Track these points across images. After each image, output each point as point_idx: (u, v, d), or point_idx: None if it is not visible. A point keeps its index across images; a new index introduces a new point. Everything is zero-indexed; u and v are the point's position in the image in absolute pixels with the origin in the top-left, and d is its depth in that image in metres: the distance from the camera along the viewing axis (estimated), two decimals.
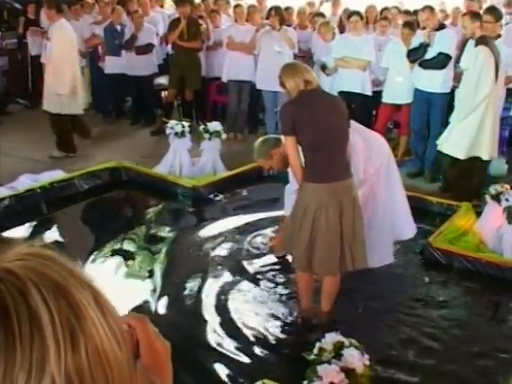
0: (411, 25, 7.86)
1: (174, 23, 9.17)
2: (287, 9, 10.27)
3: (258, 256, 5.35)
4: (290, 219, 4.20)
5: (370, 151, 4.58)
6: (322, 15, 9.65)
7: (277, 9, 8.54)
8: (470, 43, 6.96)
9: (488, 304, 4.91)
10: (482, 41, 6.39)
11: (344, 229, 3.98)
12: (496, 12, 6.88)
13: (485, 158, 6.62)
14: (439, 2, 12.04)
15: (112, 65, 9.83)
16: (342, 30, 9.64)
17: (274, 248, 5.26)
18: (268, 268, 5.11)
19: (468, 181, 6.76)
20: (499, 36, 6.87)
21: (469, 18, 6.54)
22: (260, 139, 4.95)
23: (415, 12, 9.74)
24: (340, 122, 3.98)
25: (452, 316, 4.64)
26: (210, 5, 10.46)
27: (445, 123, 7.48)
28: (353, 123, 4.25)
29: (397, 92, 7.67)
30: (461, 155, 6.60)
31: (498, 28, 6.90)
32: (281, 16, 8.46)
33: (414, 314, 4.64)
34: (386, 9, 10.18)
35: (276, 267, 5.12)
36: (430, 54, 7.28)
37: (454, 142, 6.60)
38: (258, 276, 5.01)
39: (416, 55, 7.40)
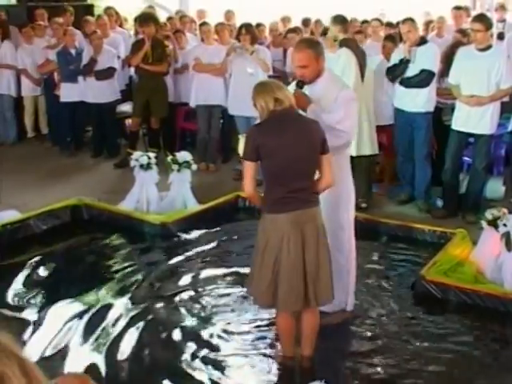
0: (393, 38, 7.97)
1: (137, 45, 9.21)
2: (258, 25, 10.41)
3: (232, 305, 5.32)
4: (253, 257, 4.25)
5: None
6: (295, 31, 9.75)
7: (248, 27, 8.58)
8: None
9: (489, 340, 4.90)
10: (344, 43, 7.06)
11: (307, 261, 4.05)
12: (486, 20, 6.97)
13: (368, 153, 7.28)
14: (424, 12, 12.30)
15: (68, 92, 9.85)
16: None
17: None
18: (245, 320, 5.07)
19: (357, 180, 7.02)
20: (490, 46, 6.94)
21: (331, 22, 7.24)
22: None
23: (398, 24, 9.93)
24: (308, 149, 4.03)
25: (450, 354, 4.64)
26: (176, 24, 10.52)
27: (431, 144, 7.60)
28: None
29: (379, 112, 7.72)
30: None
31: (488, 37, 6.97)
32: (252, 35, 8.52)
33: (407, 354, 4.64)
34: (366, 22, 10.36)
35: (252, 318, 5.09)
36: (412, 70, 7.36)
37: None
38: (231, 327, 4.99)
39: (396, 72, 7.48)
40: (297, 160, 3.98)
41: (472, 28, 7.00)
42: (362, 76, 7.10)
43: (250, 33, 8.46)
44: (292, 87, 4.63)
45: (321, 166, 4.12)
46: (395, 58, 7.52)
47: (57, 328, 4.89)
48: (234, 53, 8.53)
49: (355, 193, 4.96)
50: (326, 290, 4.14)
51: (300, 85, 4.61)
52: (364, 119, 7.19)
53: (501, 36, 10.48)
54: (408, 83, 7.38)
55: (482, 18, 7.03)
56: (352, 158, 5.24)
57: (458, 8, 10.74)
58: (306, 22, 11.47)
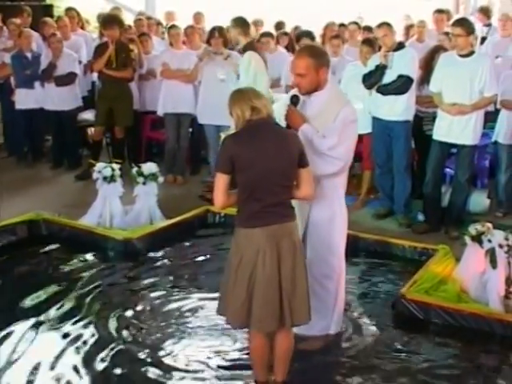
0: (371, 42, 8.02)
1: (100, 48, 9.17)
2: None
3: (198, 331, 5.27)
4: (225, 274, 4.24)
5: None
6: (270, 35, 9.79)
7: (220, 30, 8.60)
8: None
9: (473, 363, 4.92)
10: (249, 47, 7.50)
11: (283, 278, 4.07)
12: (467, 24, 7.02)
13: None
14: (404, 16, 12.40)
15: (24, 99, 9.77)
16: (291, 49, 9.82)
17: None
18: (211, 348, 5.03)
19: None
20: (473, 52, 7.00)
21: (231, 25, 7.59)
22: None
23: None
24: (286, 162, 4.04)
25: (433, 378, 4.65)
26: (142, 27, 10.52)
27: (411, 155, 7.64)
28: None
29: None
30: None
31: (468, 42, 7.01)
32: (225, 38, 8.54)
33: (387, 377, 4.64)
34: (343, 25, 10.42)
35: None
36: (389, 77, 7.41)
37: None
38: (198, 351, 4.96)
39: (373, 79, 7.52)
40: (273, 173, 4.00)
41: (452, 33, 7.06)
42: None
43: (222, 36, 8.48)
44: (282, 99, 4.65)
45: (300, 179, 4.14)
46: (371, 64, 7.57)
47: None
48: (207, 57, 8.51)
49: None
50: (301, 309, 4.14)
51: (294, 100, 4.58)
52: None
53: (484, 41, 10.60)
54: (385, 90, 7.44)
55: (462, 23, 7.07)
56: None
57: (439, 11, 10.85)
58: (279, 25, 11.50)
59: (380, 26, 7.55)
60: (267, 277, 4.02)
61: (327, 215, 4.67)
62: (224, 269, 4.26)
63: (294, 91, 4.70)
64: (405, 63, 7.34)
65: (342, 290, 4.98)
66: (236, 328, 4.40)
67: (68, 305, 5.62)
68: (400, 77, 7.34)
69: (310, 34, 8.44)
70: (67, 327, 5.22)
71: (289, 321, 4.13)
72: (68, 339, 5.04)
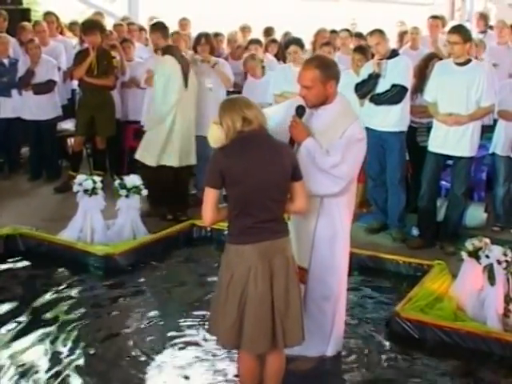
0: (363, 50, 8.06)
1: (80, 55, 9.18)
2: (216, 35, 10.46)
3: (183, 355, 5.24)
4: (216, 292, 4.25)
5: None
6: (258, 42, 9.83)
7: (207, 36, 8.63)
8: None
9: None
10: (168, 51, 7.95)
11: (275, 296, 4.06)
12: (464, 31, 7.07)
13: (175, 165, 8.00)
14: (398, 22, 12.46)
15: (0, 108, 9.74)
16: (282, 57, 9.87)
17: None
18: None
19: (157, 190, 7.87)
20: (469, 61, 7.04)
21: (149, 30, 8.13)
22: None
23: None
24: (279, 175, 4.05)
25: None
26: (122, 32, 10.55)
27: (405, 167, 7.67)
28: None
29: None
30: (150, 162, 7.94)
31: (465, 50, 7.03)
32: (211, 45, 8.57)
33: None
34: (334, 32, 10.46)
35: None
36: (382, 86, 7.45)
37: (144, 149, 8.08)
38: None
39: (365, 88, 7.56)
40: (266, 187, 4.00)
41: (449, 40, 7.08)
42: (186, 84, 7.94)
43: (209, 43, 8.52)
44: (286, 107, 4.64)
45: (294, 193, 4.15)
46: (364, 72, 7.61)
47: None
48: (194, 65, 8.49)
49: None
50: (294, 329, 4.14)
51: (300, 111, 4.54)
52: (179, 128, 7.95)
53: None
54: (378, 100, 7.48)
55: (459, 29, 7.12)
56: None
57: (434, 17, 10.91)
58: (268, 31, 11.55)
59: (372, 33, 7.58)
60: (259, 295, 4.02)
61: (328, 235, 4.64)
62: (214, 287, 4.26)
63: (300, 101, 4.61)
64: (398, 72, 7.38)
65: (341, 312, 4.95)
66: (227, 349, 4.42)
67: (39, 323, 5.58)
68: (394, 86, 7.38)
69: (298, 42, 8.45)
70: (31, 347, 5.20)
71: (281, 342, 4.12)
72: (41, 361, 5.02)
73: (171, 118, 7.93)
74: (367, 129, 7.50)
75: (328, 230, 4.65)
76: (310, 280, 4.66)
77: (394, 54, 7.60)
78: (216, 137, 4.38)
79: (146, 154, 8.11)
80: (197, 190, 8.49)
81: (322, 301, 4.73)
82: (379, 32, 7.55)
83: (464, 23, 11.45)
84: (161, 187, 8.01)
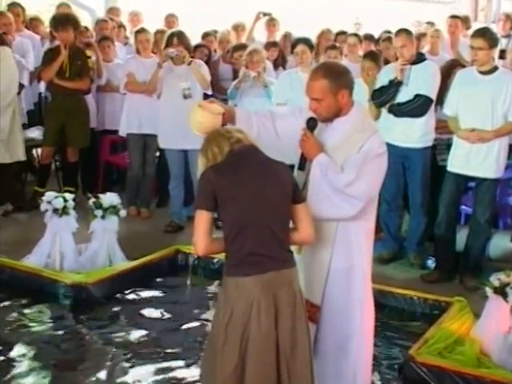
0: (374, 56, 8.09)
1: (50, 54, 9.17)
2: (206, 35, 10.49)
3: None
4: (212, 333, 4.21)
5: None
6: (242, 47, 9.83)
7: (180, 35, 8.56)
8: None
9: None
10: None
11: (280, 336, 4.02)
12: (490, 35, 7.05)
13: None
14: (415, 22, 12.43)
15: None
16: (281, 63, 9.89)
17: None
18: None
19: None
20: (496, 69, 7.03)
21: None
22: None
23: (378, 40, 10.05)
24: (278, 195, 4.03)
25: None
26: (105, 29, 10.52)
27: (427, 186, 7.66)
28: None
29: None
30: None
31: (490, 57, 7.06)
32: (186, 46, 8.49)
33: None
34: (342, 33, 10.47)
35: None
36: (404, 95, 7.48)
37: None
38: None
39: (384, 97, 7.58)
40: (265, 205, 3.98)
41: (472, 45, 7.04)
42: None
43: (183, 43, 8.47)
44: (294, 114, 4.65)
45: (297, 218, 4.13)
46: (383, 77, 7.63)
47: None
48: (164, 60, 8.49)
49: None
50: (302, 374, 4.08)
51: (311, 124, 4.51)
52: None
53: (503, 55, 10.65)
54: (399, 111, 7.51)
55: (484, 33, 7.09)
56: None
57: (454, 17, 10.87)
58: None
59: (398, 33, 7.57)
60: (263, 335, 3.96)
61: (345, 266, 4.52)
62: (204, 325, 4.25)
63: (310, 112, 4.56)
64: (424, 80, 7.41)
65: (366, 357, 4.73)
66: None
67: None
68: (417, 96, 7.40)
69: (307, 41, 8.45)
70: None
71: None
72: None
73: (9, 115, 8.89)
74: (386, 144, 7.54)
75: (344, 260, 4.53)
76: (323, 319, 4.58)
77: (420, 58, 7.61)
78: (199, 121, 4.36)
79: None
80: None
81: (337, 351, 4.57)
82: (406, 32, 7.55)
83: (489, 25, 11.45)
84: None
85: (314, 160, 4.44)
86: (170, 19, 11.56)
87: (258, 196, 3.98)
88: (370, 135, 4.50)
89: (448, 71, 7.76)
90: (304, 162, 4.49)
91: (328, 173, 4.40)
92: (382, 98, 7.58)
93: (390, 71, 7.62)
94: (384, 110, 7.65)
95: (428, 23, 11.79)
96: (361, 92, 7.56)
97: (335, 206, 4.38)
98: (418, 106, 7.42)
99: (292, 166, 4.48)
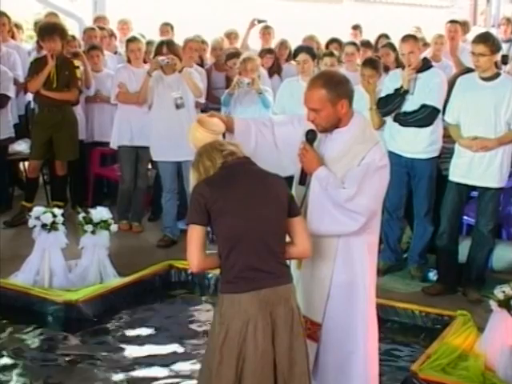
0: (374, 63, 8.10)
1: (37, 64, 9.16)
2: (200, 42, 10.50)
3: None
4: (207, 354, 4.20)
5: None
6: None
7: (169, 44, 8.61)
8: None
9: None
10: None
11: (277, 354, 4.02)
12: (492, 40, 7.05)
13: None
14: (413, 27, 12.46)
15: None
16: (277, 70, 9.91)
17: None
18: None
19: None
20: (498, 75, 7.04)
21: None
22: None
23: (376, 45, 10.07)
24: (274, 208, 4.05)
25: None
26: (94, 38, 10.52)
27: (433, 196, 7.66)
28: None
29: None
30: None
31: (492, 62, 7.06)
32: (176, 54, 8.50)
33: None
34: (335, 41, 10.46)
35: None
36: (410, 104, 7.48)
37: None
38: None
39: (390, 106, 7.58)
40: (260, 220, 3.99)
41: (473, 51, 7.03)
42: None
43: (172, 52, 8.48)
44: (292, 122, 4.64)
45: (293, 232, 4.13)
46: (389, 85, 7.63)
47: None
48: (156, 67, 8.47)
49: None
50: None
51: (310, 136, 4.51)
52: None
53: (505, 60, 10.68)
54: (404, 121, 7.52)
55: (486, 39, 7.08)
56: None
57: (453, 22, 10.88)
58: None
59: (405, 39, 7.56)
60: (260, 356, 3.96)
61: (346, 282, 4.52)
62: (199, 343, 4.24)
63: (309, 123, 4.56)
64: (431, 89, 7.41)
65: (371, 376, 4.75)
66: None
67: None
68: (424, 107, 7.41)
69: (309, 50, 8.48)
70: None
71: None
72: None
73: None
74: (390, 153, 7.48)
75: (346, 275, 4.53)
76: (324, 338, 4.58)
77: (426, 65, 7.59)
78: (200, 139, 4.33)
79: None
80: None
81: (337, 366, 4.57)
82: (413, 38, 7.55)
83: (489, 29, 11.46)
84: None
85: (314, 174, 4.45)
86: (164, 28, 11.54)
87: (251, 209, 3.99)
88: (371, 147, 4.49)
89: (456, 80, 7.65)
90: (304, 177, 4.50)
91: (328, 187, 4.40)
92: (388, 107, 7.59)
93: (396, 78, 7.62)
94: (389, 119, 7.67)
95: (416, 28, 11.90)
96: (361, 100, 7.58)
97: (337, 222, 4.39)
98: (424, 117, 7.43)
99: (287, 178, 4.46)
